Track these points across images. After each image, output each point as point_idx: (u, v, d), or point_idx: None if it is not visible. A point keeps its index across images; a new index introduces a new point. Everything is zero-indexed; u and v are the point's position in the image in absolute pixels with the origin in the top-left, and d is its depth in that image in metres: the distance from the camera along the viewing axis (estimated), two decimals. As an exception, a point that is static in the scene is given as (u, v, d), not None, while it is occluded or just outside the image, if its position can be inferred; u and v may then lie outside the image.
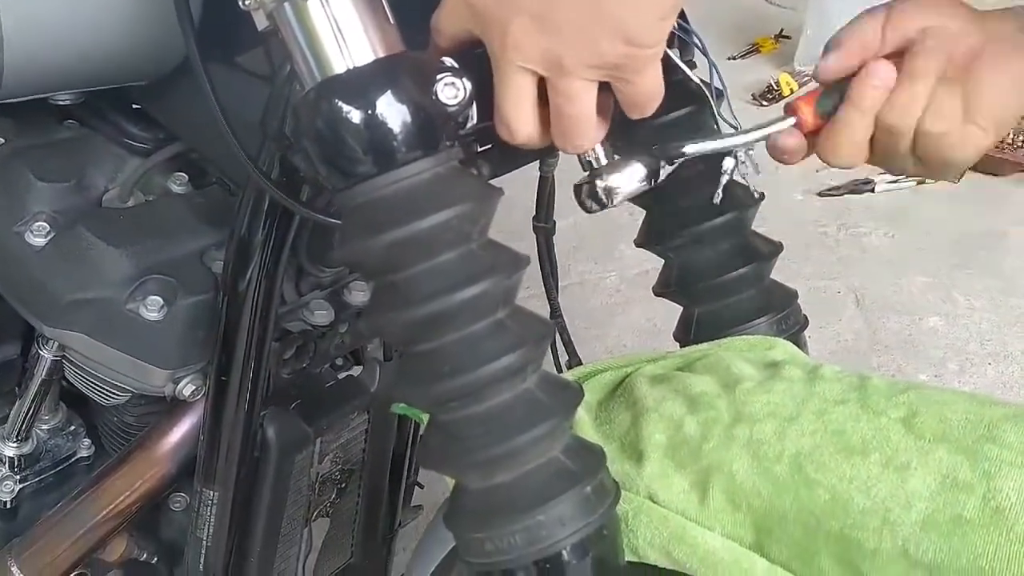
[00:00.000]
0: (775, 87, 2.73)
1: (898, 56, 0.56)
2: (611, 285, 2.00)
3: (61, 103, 0.77)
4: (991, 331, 1.87)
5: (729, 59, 2.98)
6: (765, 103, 2.70)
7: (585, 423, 0.61)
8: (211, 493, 0.76)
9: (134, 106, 0.80)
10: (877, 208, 2.24)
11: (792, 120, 0.58)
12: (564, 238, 2.08)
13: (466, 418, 0.50)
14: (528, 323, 0.51)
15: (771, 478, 0.52)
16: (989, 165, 2.32)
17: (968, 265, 2.05)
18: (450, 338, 0.49)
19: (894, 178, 2.31)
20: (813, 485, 0.51)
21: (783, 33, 3.05)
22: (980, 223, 2.18)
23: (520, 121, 0.50)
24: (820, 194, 2.28)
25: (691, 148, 0.55)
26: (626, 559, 0.55)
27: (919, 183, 2.31)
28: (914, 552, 0.48)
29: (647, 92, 0.50)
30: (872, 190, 2.29)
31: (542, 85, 0.50)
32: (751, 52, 3.02)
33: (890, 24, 0.56)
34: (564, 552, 0.51)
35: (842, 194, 2.27)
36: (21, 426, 0.90)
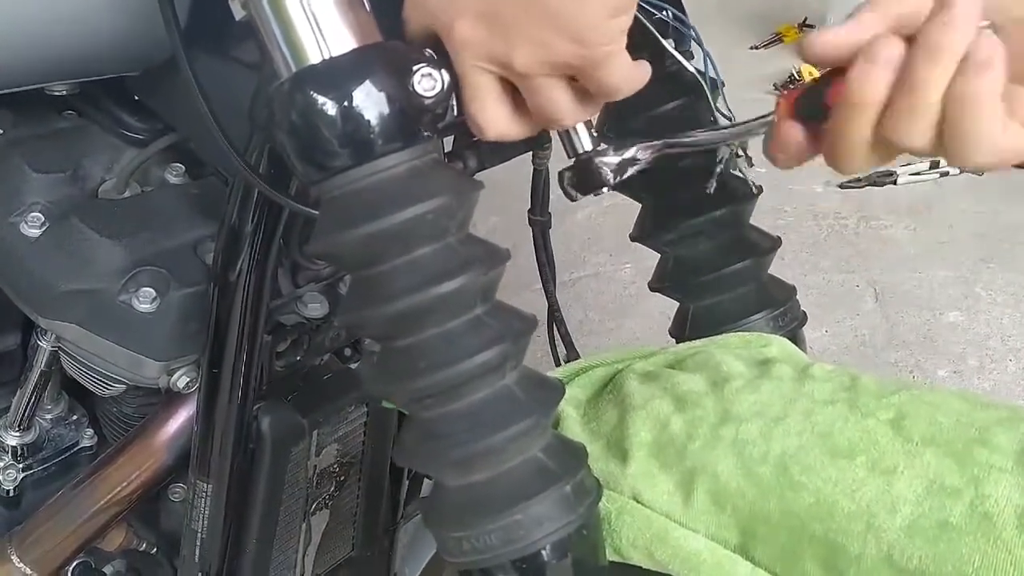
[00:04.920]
0: (798, 77, 2.70)
1: None
2: (626, 277, 1.98)
3: (57, 93, 0.77)
4: (1013, 327, 1.84)
5: (752, 48, 2.95)
6: (787, 93, 2.67)
7: (573, 420, 0.60)
8: (205, 485, 0.76)
9: (134, 97, 0.80)
10: (899, 200, 2.21)
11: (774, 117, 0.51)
12: (579, 230, 2.09)
13: (443, 415, 0.49)
14: (507, 319, 0.50)
15: (756, 479, 0.51)
16: (1014, 157, 2.27)
17: (991, 259, 2.01)
18: (427, 334, 0.48)
19: (916, 170, 2.27)
20: (798, 487, 0.50)
21: (807, 22, 3.01)
22: (1004, 217, 2.14)
23: (486, 119, 0.49)
24: (841, 186, 2.25)
25: (677, 141, 0.54)
26: (609, 559, 0.54)
27: (942, 175, 2.27)
28: (899, 558, 0.46)
29: (612, 85, 0.48)
30: (894, 182, 2.25)
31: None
32: (774, 41, 2.98)
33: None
34: (543, 552, 0.50)
35: (863, 186, 2.24)
36: (23, 415, 0.90)
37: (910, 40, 0.45)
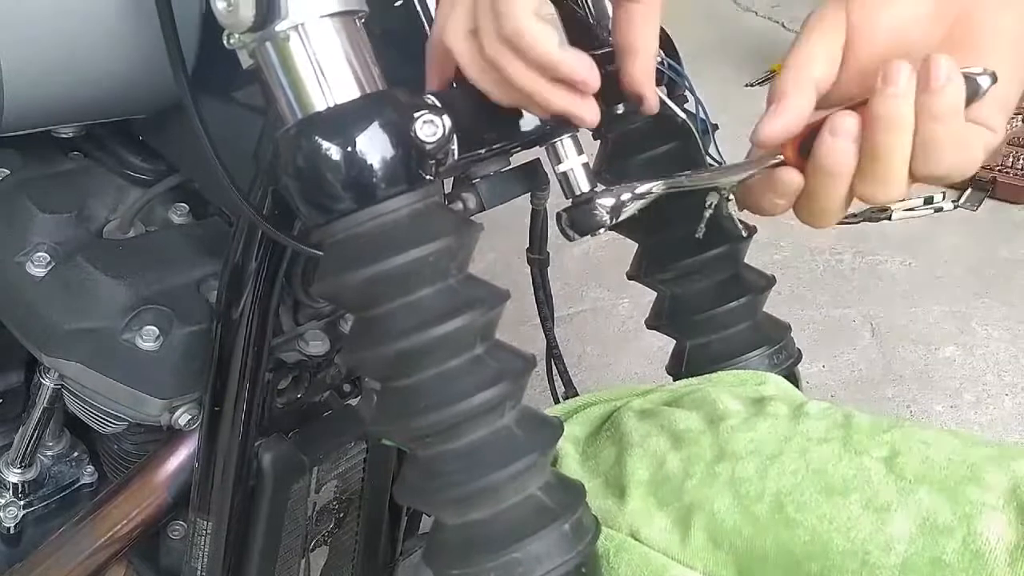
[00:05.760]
0: (792, 114, 2.73)
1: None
2: (623, 312, 1.99)
3: (64, 136, 0.79)
4: (1009, 362, 1.84)
5: (747, 86, 2.98)
6: (782, 130, 2.70)
7: (571, 458, 0.61)
8: (205, 523, 0.76)
9: (139, 138, 0.82)
10: (893, 236, 2.22)
11: (779, 158, 0.51)
12: (577, 265, 2.11)
13: (443, 454, 0.50)
14: (507, 358, 0.51)
15: (752, 517, 0.52)
16: (1007, 193, 2.30)
17: (986, 294, 2.02)
18: (427, 374, 0.49)
19: (911, 206, 2.29)
20: (793, 525, 0.50)
21: (801, 60, 3.04)
22: (998, 252, 2.15)
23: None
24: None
25: (674, 181, 0.55)
26: (607, 597, 0.55)
27: (936, 211, 2.29)
28: (893, 596, 0.47)
29: None
30: (889, 218, 2.27)
31: None
32: (769, 79, 3.02)
33: (851, 49, 0.48)
34: (542, 590, 0.50)
35: (858, 221, 2.25)
36: (25, 452, 0.91)
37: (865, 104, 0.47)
